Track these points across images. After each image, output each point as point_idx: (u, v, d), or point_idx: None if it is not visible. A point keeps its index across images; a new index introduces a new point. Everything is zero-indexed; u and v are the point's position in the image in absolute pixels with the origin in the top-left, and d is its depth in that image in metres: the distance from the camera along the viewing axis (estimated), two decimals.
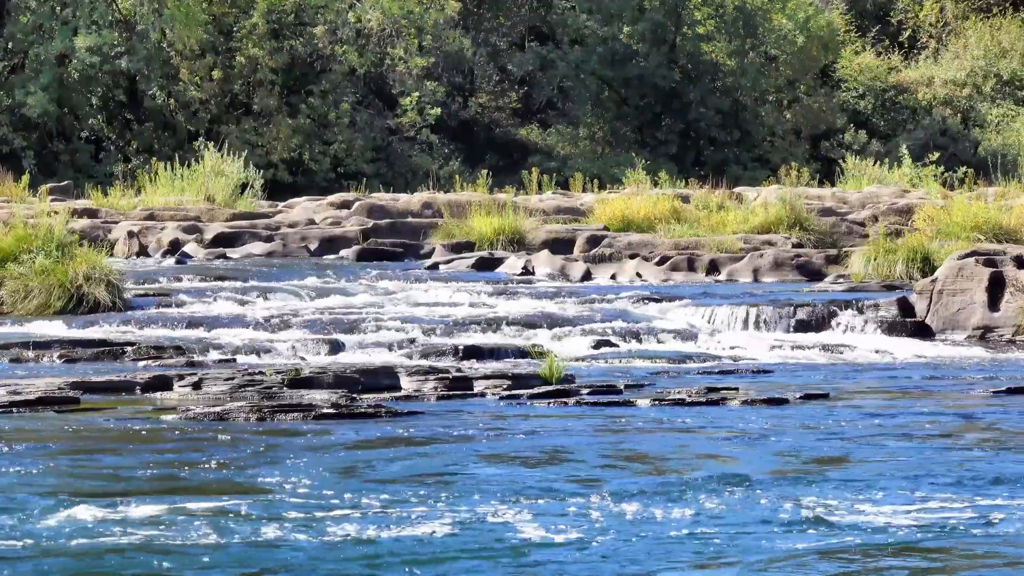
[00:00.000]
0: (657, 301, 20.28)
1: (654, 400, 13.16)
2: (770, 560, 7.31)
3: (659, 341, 17.76)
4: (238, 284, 21.62)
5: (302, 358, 16.17)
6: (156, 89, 41.36)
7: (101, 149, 41.75)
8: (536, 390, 13.63)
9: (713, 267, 24.69)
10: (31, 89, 39.51)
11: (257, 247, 27.18)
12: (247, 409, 12.02)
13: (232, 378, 13.61)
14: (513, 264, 24.95)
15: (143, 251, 27.11)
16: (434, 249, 26.78)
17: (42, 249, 19.43)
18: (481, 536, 7.76)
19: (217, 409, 12.07)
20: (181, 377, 13.77)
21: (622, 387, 13.95)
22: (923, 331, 18.84)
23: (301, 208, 30.65)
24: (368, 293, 21.08)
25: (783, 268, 24.59)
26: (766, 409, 12.71)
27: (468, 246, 26.83)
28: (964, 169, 37.04)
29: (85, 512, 8.15)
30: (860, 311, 19.11)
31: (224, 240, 27.37)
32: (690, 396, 13.32)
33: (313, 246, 27.38)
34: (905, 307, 19.19)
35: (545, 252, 25.61)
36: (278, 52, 41.59)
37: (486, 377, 14.04)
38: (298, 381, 13.55)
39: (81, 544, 7.53)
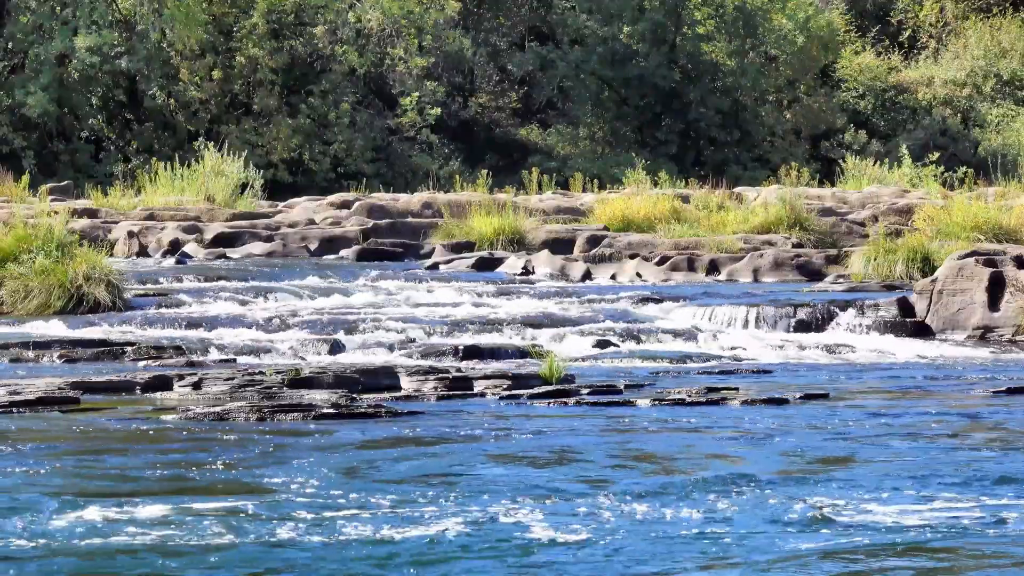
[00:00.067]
0: (657, 301, 20.28)
1: (654, 400, 13.16)
2: (778, 560, 7.31)
3: (659, 341, 17.76)
4: (238, 284, 21.61)
5: (302, 358, 16.17)
6: (156, 89, 41.36)
7: (101, 149, 41.75)
8: (536, 390, 13.63)
9: (713, 267, 24.69)
10: (31, 89, 39.51)
11: (257, 247, 27.18)
12: (247, 409, 12.02)
13: (232, 378, 13.61)
14: (513, 264, 24.94)
15: (143, 251, 27.11)
16: (434, 249, 26.78)
17: (42, 249, 19.43)
18: (489, 536, 7.76)
19: (217, 409, 12.07)
20: (181, 377, 13.77)
21: (622, 387, 13.95)
22: (923, 331, 18.84)
23: (301, 208, 30.64)
24: (368, 293, 21.08)
25: (783, 268, 24.59)
26: (767, 409, 12.71)
27: (468, 246, 26.83)
28: (964, 169, 37.05)
29: (93, 512, 8.14)
30: (860, 311, 19.11)
31: (224, 240, 27.37)
32: (690, 396, 13.32)
33: (313, 246, 27.38)
34: (905, 307, 19.19)
35: (545, 252, 25.61)
36: (278, 52, 41.59)
37: (486, 377, 14.05)
38: (298, 381, 13.55)
39: (91, 544, 7.52)
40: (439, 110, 43.24)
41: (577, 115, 47.92)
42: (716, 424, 11.88)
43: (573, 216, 29.79)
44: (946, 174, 37.42)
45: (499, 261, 25.30)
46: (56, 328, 17.65)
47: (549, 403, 13.17)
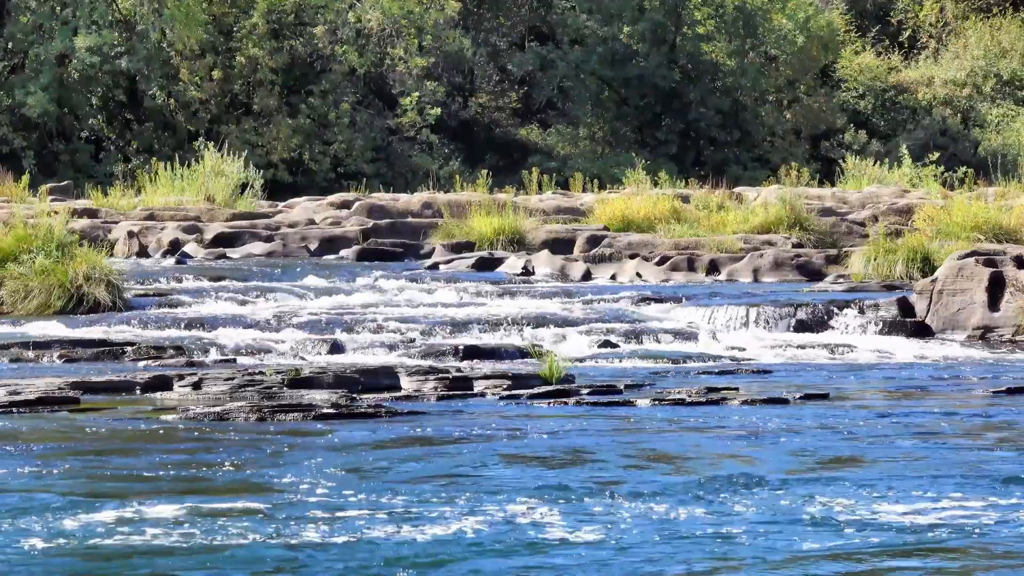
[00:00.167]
0: (657, 301, 20.28)
1: (654, 400, 13.16)
2: (789, 559, 7.31)
3: (659, 341, 17.76)
4: (238, 284, 21.61)
5: (302, 358, 16.17)
6: (156, 89, 41.35)
7: (101, 149, 41.73)
8: (536, 390, 13.63)
9: (713, 267, 24.68)
10: (31, 89, 39.50)
11: (257, 247, 27.17)
12: (247, 409, 12.02)
13: (232, 378, 13.61)
14: (513, 264, 24.94)
15: (143, 251, 27.10)
16: (434, 249, 26.78)
17: (42, 249, 19.43)
18: (501, 535, 7.74)
19: (217, 409, 12.07)
20: (181, 377, 13.77)
21: (622, 387, 13.95)
22: (923, 331, 18.84)
23: (301, 208, 30.64)
24: (368, 293, 21.08)
25: (783, 268, 24.59)
26: (770, 409, 12.70)
27: (468, 246, 26.83)
28: (964, 169, 37.04)
29: (103, 512, 8.14)
30: (860, 311, 19.12)
31: (224, 240, 27.37)
32: (690, 396, 13.32)
33: (313, 246, 27.37)
34: (905, 307, 19.19)
35: (545, 252, 25.61)
36: (278, 52, 41.59)
37: (486, 377, 14.05)
38: (298, 381, 13.55)
39: (102, 544, 7.52)
40: (439, 110, 43.23)
41: (577, 115, 47.92)
42: (721, 424, 11.88)
43: (573, 216, 29.79)
44: (946, 174, 37.41)
45: (499, 261, 25.29)
46: (56, 328, 17.65)
47: (549, 403, 13.17)
